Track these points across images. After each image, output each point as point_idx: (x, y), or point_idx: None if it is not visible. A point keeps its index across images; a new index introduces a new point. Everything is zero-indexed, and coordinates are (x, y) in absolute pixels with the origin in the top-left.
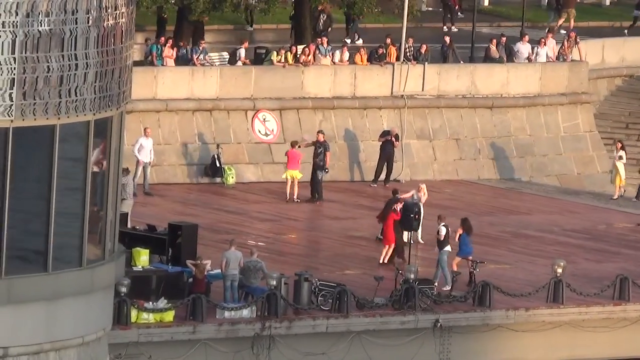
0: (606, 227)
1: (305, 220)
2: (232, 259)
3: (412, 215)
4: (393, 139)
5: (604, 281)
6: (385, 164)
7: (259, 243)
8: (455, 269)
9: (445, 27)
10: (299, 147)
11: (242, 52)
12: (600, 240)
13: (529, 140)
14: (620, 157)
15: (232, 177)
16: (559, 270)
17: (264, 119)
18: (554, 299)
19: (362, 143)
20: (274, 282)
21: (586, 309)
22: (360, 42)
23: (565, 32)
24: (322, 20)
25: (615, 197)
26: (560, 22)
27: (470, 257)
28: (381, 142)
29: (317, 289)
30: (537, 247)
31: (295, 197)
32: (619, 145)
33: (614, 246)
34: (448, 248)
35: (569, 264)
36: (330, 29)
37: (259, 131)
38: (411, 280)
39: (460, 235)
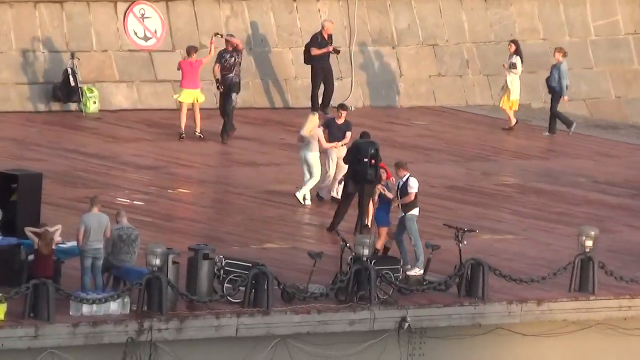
0: None
1: (206, 167)
2: (94, 226)
3: (365, 160)
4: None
5: None
6: (323, 82)
7: (135, 202)
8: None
9: None
10: (218, 34)
11: None
12: None
13: (543, 46)
14: (513, 65)
15: (95, 102)
16: (589, 244)
17: (143, 15)
18: (580, 287)
19: (291, 51)
20: (158, 261)
21: (629, 301)
22: None
23: None
24: None
25: (511, 126)
26: None
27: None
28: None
29: (222, 271)
30: (556, 209)
31: (197, 130)
32: (513, 47)
33: None
34: (416, 211)
35: (603, 233)
36: None
37: (135, 33)
38: (365, 259)
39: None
